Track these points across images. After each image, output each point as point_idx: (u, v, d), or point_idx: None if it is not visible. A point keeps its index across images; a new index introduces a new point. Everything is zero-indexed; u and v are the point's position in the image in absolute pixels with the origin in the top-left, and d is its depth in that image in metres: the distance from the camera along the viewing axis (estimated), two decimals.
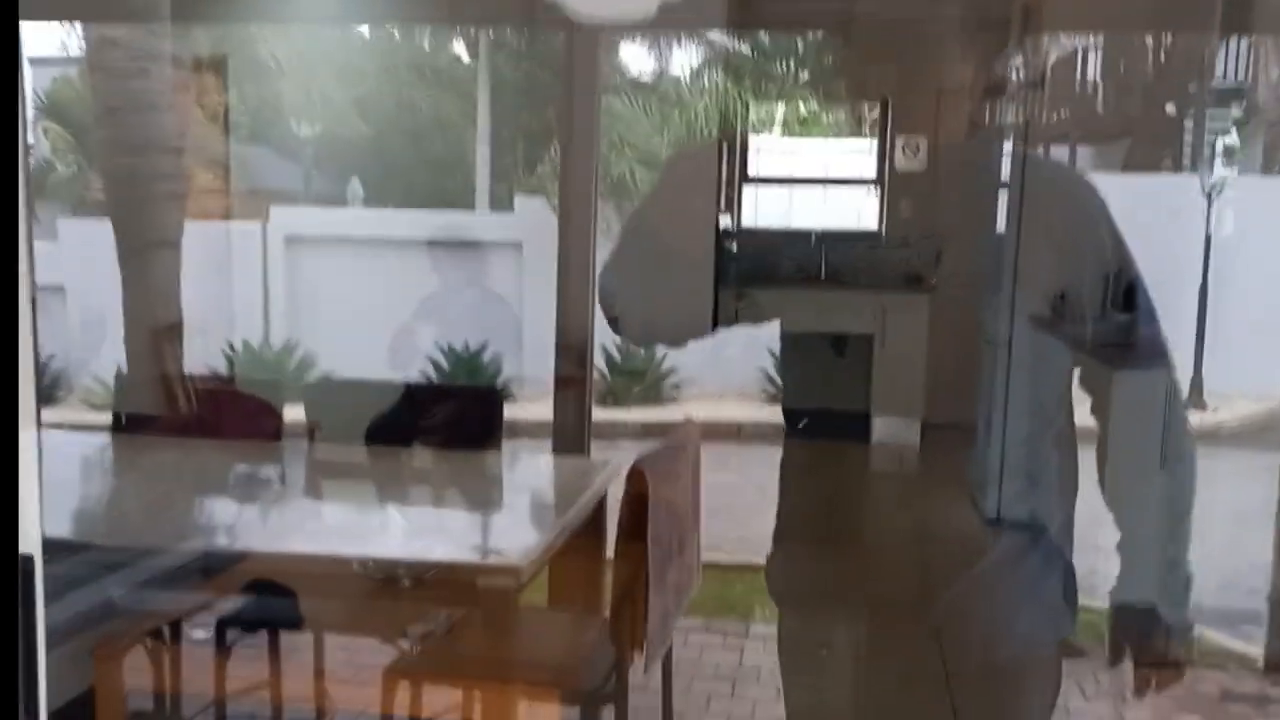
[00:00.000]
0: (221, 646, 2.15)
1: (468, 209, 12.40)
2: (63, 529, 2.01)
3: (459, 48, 15.00)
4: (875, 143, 6.62)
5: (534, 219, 7.84)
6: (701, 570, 2.37)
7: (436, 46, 15.02)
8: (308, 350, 7.59)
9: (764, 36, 13.08)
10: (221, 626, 2.17)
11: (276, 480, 2.20)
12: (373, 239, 8.22)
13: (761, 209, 6.68)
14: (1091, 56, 4.82)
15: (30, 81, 9.70)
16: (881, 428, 6.28)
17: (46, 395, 7.05)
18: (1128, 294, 3.88)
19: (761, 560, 3.70)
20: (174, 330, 3.90)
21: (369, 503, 2.40)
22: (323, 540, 2.10)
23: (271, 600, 2.14)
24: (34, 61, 10.02)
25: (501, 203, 12.17)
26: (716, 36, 13.22)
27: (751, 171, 6.79)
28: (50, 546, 1.98)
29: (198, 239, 6.23)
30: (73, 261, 7.18)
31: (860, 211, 6.79)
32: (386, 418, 3.85)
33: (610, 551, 2.41)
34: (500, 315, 7.38)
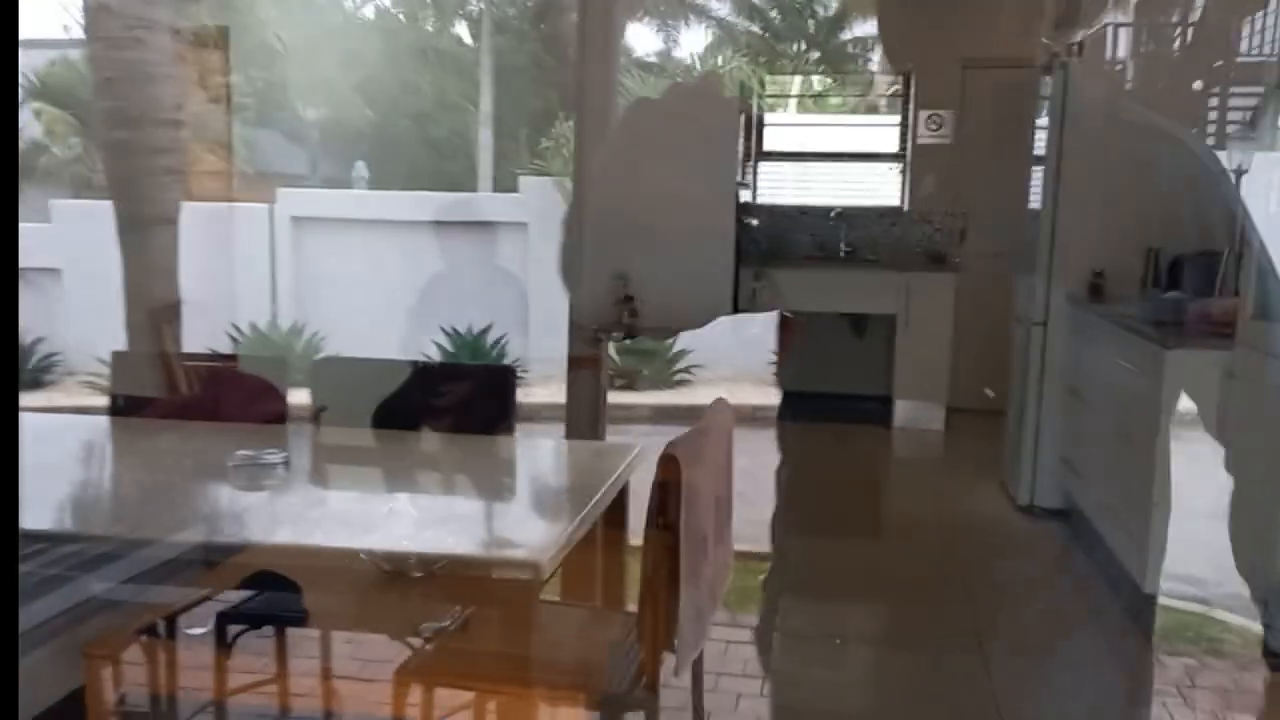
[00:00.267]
0: (223, 643, 2.01)
1: (470, 191, 12.24)
2: (49, 518, 1.86)
3: (462, 29, 14.81)
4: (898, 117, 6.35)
5: (539, 200, 7.69)
6: (733, 562, 2.21)
7: (440, 29, 14.83)
8: (315, 331, 7.46)
9: (774, 14, 12.87)
10: (223, 622, 2.02)
11: (280, 466, 2.03)
12: (379, 220, 8.08)
13: (777, 184, 6.48)
14: (1123, 34, 4.63)
15: (20, 62, 9.54)
16: (904, 411, 6.09)
17: (35, 380, 6.91)
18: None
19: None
20: (173, 310, 3.76)
21: (377, 490, 2.25)
22: (328, 530, 1.95)
23: (275, 594, 2.00)
24: (27, 44, 9.86)
25: (501, 185, 12.00)
26: (726, 15, 13.01)
27: (767, 147, 6.56)
28: (35, 537, 1.82)
29: (204, 220, 6.09)
30: (68, 243, 7.04)
31: (880, 187, 6.57)
32: (395, 399, 3.70)
33: (632, 542, 2.26)
34: (509, 294, 7.23)
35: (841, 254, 6.21)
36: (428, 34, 14.74)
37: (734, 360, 7.02)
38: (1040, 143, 4.39)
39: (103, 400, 2.79)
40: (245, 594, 2.10)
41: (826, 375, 5.95)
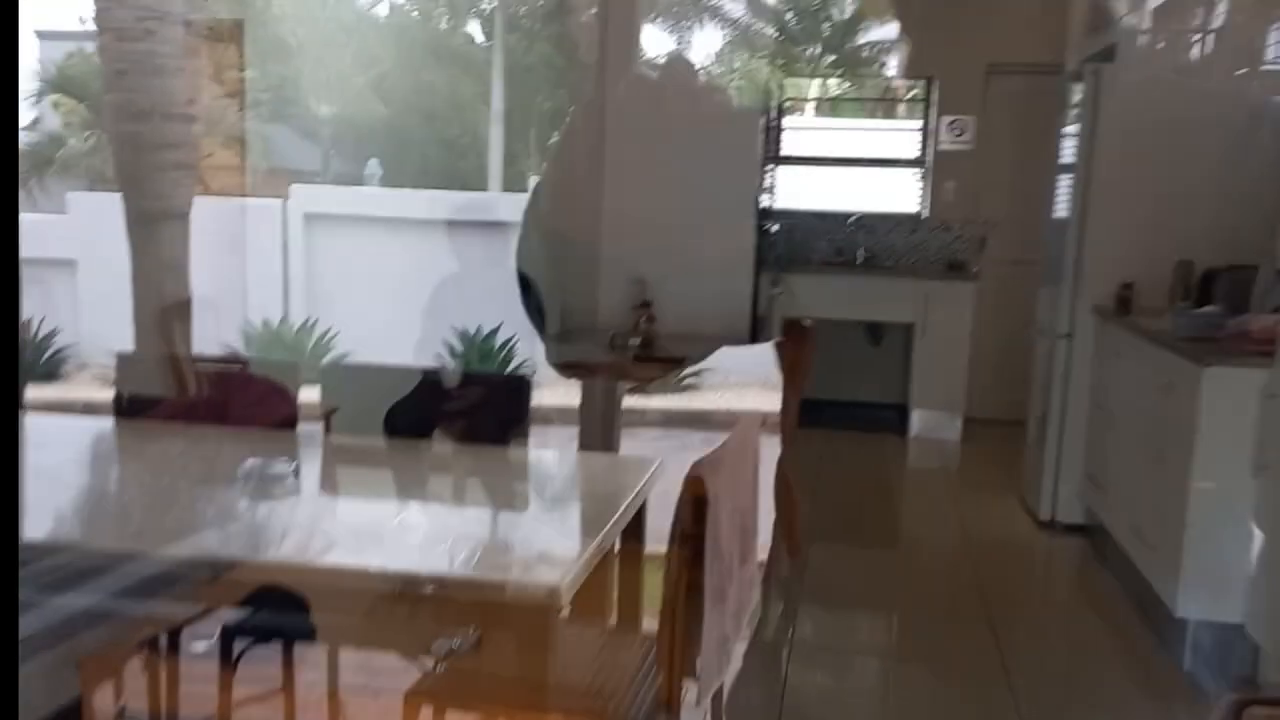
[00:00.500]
0: (227, 660, 1.93)
1: (480, 190, 12.19)
2: (44, 526, 1.79)
3: (474, 28, 14.78)
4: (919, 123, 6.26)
5: None
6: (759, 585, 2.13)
7: (453, 27, 14.80)
8: (326, 328, 7.41)
9: (790, 17, 12.78)
10: (227, 637, 1.95)
11: (290, 476, 1.96)
12: (391, 218, 8.03)
13: (795, 189, 6.38)
14: (1155, 40, 4.55)
15: (37, 54, 9.52)
16: (920, 421, 6.00)
17: (50, 372, 6.88)
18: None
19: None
20: (183, 307, 3.70)
21: (388, 505, 2.17)
22: (337, 543, 1.88)
23: (282, 608, 1.92)
24: (44, 35, 9.84)
25: (512, 184, 11.95)
26: (741, 16, 12.94)
27: (784, 151, 6.46)
28: (32, 548, 1.75)
29: (216, 216, 6.03)
30: (84, 235, 7.00)
31: (900, 194, 6.48)
32: (407, 404, 3.63)
33: (647, 553, 2.18)
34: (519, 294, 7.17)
35: (859, 261, 6.13)
36: (441, 32, 14.71)
37: (742, 364, 6.94)
38: (1067, 150, 4.30)
39: (113, 393, 2.73)
40: (250, 607, 2.02)
41: (841, 383, 5.87)
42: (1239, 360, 2.85)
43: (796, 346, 3.45)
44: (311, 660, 2.17)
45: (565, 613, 2.07)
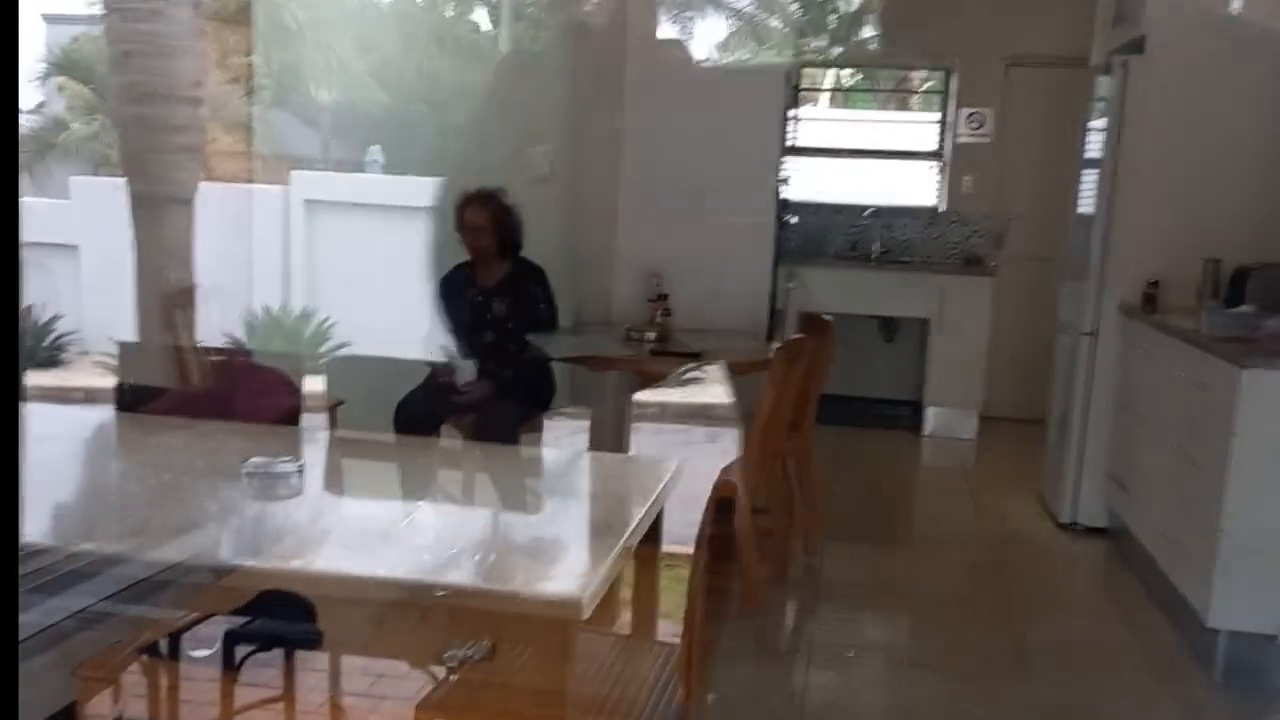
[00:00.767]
0: (229, 667, 1.84)
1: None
2: (41, 523, 1.70)
3: (481, 15, 14.63)
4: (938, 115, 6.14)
5: None
6: None
7: (459, 14, 14.65)
8: (325, 317, 7.32)
9: (795, 7, 12.61)
10: (230, 643, 1.86)
11: (295, 475, 1.86)
12: (393, 206, 7.93)
13: (809, 180, 6.26)
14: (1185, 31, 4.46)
15: (44, 38, 9.41)
16: (935, 418, 5.89)
17: (51, 358, 6.80)
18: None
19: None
20: (186, 295, 3.61)
21: (396, 508, 2.07)
22: (343, 546, 1.79)
23: (286, 615, 1.83)
24: (51, 19, 9.73)
25: (517, 172, 11.80)
26: (746, 6, 12.78)
27: (800, 142, 6.34)
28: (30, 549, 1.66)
29: (219, 202, 5.94)
30: (87, 220, 6.91)
31: (916, 187, 6.36)
32: (416, 399, 3.55)
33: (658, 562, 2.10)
34: None
35: (874, 255, 6.02)
36: (445, 19, 14.57)
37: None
38: (1092, 145, 4.20)
39: (114, 382, 2.64)
40: (253, 610, 1.93)
41: (854, 379, 5.76)
42: (1279, 361, 2.76)
43: (816, 341, 3.35)
44: (313, 666, 2.08)
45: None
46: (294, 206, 7.85)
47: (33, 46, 8.97)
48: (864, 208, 6.16)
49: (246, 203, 7.12)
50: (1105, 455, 4.01)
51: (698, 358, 3.23)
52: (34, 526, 1.66)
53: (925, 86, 6.73)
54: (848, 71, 7.38)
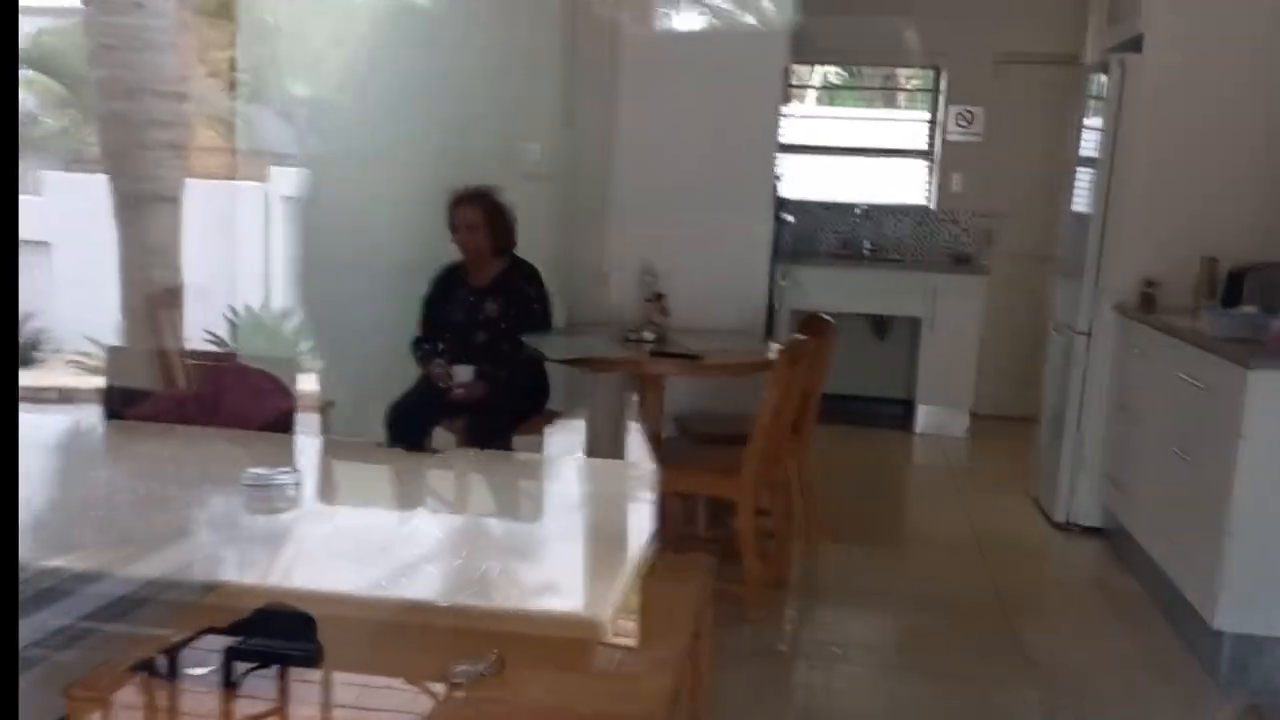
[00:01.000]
0: (227, 685, 1.77)
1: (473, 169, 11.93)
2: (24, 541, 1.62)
3: (460, 6, 14.50)
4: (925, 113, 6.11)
5: None
6: None
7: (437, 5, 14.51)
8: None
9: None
10: (228, 660, 1.79)
11: (292, 486, 1.79)
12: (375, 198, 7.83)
13: (799, 178, 6.22)
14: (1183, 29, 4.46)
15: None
16: (927, 417, 5.87)
17: (26, 357, 6.65)
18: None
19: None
20: (173, 295, 3.51)
21: (394, 520, 2.01)
22: (341, 560, 1.72)
23: (286, 631, 1.76)
24: (23, 10, 9.52)
25: (505, 164, 11.70)
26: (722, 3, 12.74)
27: (788, 139, 6.30)
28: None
29: (201, 199, 5.83)
30: (59, 217, 6.76)
31: (907, 185, 6.33)
32: (409, 400, 3.48)
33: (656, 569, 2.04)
34: None
35: (865, 253, 6.00)
36: (423, 9, 14.42)
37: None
38: (1087, 143, 4.18)
39: (89, 381, 2.55)
40: (252, 626, 1.86)
41: (846, 377, 5.73)
42: None
43: (818, 342, 3.31)
44: (306, 678, 2.02)
45: None
46: (273, 202, 7.73)
47: None
48: (854, 206, 6.13)
49: (228, 199, 7.00)
50: (1101, 455, 4.00)
51: (698, 359, 3.18)
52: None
53: (913, 84, 6.70)
54: (834, 69, 7.33)
